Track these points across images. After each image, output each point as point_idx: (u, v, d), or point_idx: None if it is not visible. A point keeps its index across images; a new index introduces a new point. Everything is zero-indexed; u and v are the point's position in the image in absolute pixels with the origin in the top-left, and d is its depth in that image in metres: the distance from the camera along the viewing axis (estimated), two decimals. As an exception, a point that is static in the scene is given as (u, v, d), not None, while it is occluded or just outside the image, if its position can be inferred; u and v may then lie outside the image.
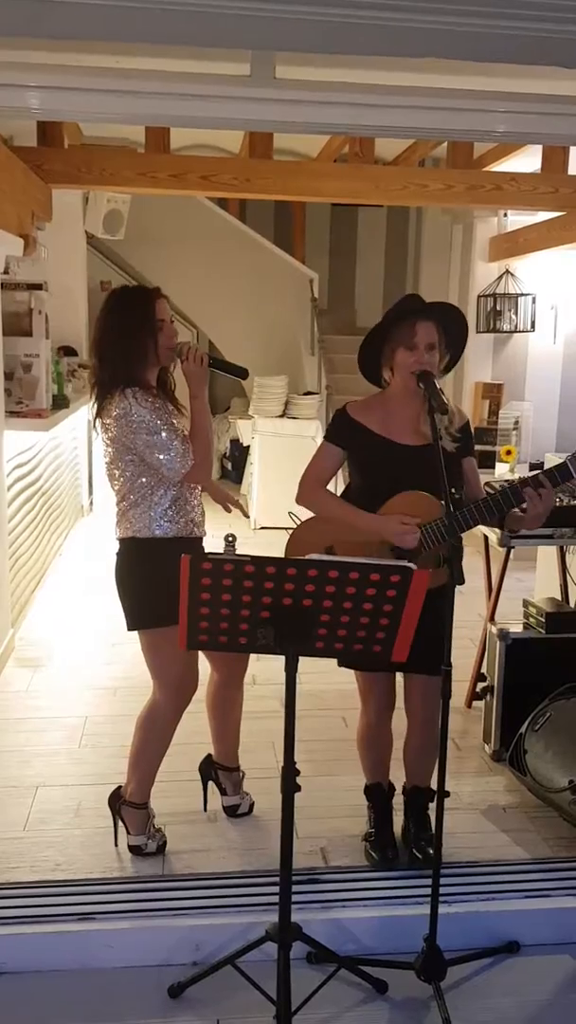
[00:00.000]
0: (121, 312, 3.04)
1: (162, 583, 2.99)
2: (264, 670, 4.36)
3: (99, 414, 3.07)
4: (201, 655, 3.30)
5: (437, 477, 2.69)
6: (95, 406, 3.09)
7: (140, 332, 3.00)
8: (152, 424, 2.95)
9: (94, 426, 3.10)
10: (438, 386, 2.91)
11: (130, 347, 3.00)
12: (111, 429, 3.02)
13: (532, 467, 5.43)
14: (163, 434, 2.96)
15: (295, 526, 3.17)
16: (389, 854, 3.24)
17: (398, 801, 3.42)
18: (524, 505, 2.88)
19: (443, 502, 2.67)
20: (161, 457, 2.97)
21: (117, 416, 2.98)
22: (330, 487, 3.20)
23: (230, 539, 2.90)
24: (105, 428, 3.05)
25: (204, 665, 3.39)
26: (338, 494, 3.20)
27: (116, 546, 3.16)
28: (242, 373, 3.15)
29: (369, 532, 2.98)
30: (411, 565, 2.35)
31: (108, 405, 3.02)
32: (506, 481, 3.06)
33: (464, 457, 3.10)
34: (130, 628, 3.13)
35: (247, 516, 3.26)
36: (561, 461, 2.85)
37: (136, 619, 3.11)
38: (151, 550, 3.07)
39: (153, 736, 3.22)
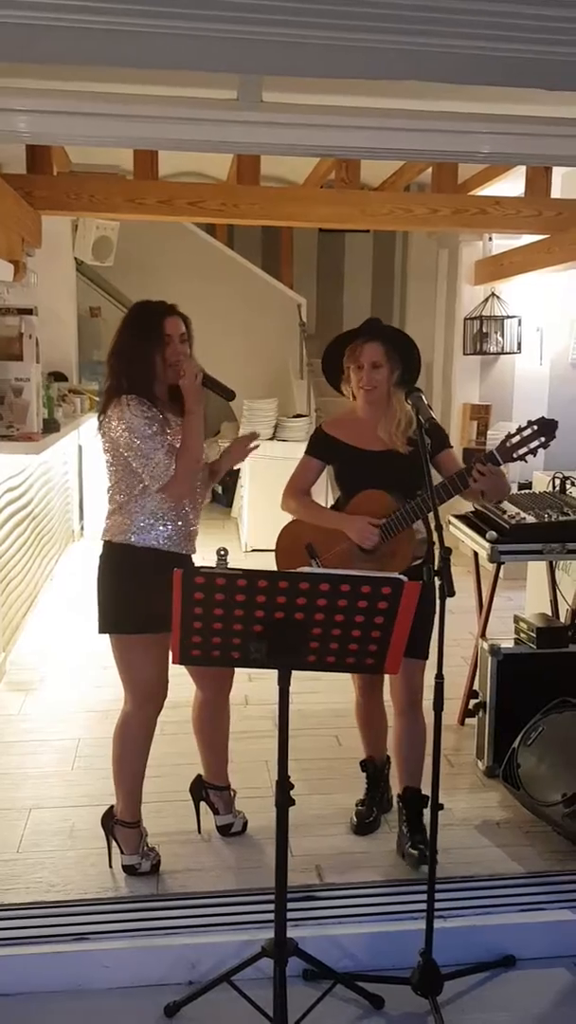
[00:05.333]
0: (133, 325, 3.12)
1: (133, 591, 3.09)
2: (257, 691, 4.37)
3: (100, 419, 3.14)
4: (187, 673, 3.32)
5: (401, 477, 3.13)
6: (100, 411, 3.18)
7: (147, 346, 3.07)
8: (140, 431, 3.00)
9: (98, 430, 3.15)
10: (393, 396, 3.29)
11: (136, 359, 3.07)
12: (107, 434, 3.09)
13: (520, 486, 5.47)
14: (148, 443, 3.00)
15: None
16: (364, 819, 3.57)
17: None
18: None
19: (421, 492, 2.96)
20: (143, 465, 3.02)
21: (113, 422, 3.05)
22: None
23: (222, 553, 2.91)
24: (103, 433, 3.12)
25: (192, 684, 3.40)
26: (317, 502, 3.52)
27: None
28: (228, 394, 3.23)
29: (333, 528, 3.28)
30: (402, 577, 2.37)
31: (108, 411, 3.09)
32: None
33: (438, 453, 3.32)
34: (100, 631, 3.17)
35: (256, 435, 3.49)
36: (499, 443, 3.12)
37: (105, 622, 3.16)
38: (126, 556, 3.11)
39: (128, 746, 3.23)
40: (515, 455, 3.09)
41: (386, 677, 3.40)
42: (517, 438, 3.07)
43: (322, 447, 3.46)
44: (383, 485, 3.24)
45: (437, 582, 2.59)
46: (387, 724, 3.61)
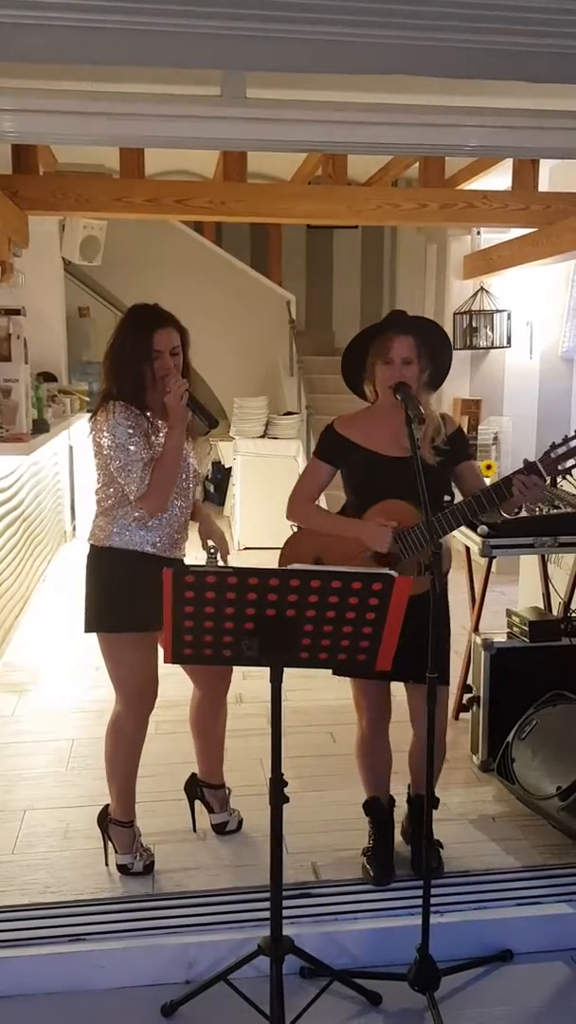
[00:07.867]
0: (126, 331, 3.08)
1: (117, 592, 3.09)
2: (250, 688, 4.35)
3: (90, 421, 3.13)
4: (184, 672, 3.31)
5: (427, 488, 2.72)
6: (91, 413, 3.16)
7: (135, 356, 3.02)
8: (121, 441, 2.98)
9: (89, 432, 3.13)
10: (421, 398, 3.00)
11: (125, 368, 3.04)
12: (95, 437, 3.07)
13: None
14: (128, 453, 2.99)
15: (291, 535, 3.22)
16: (386, 872, 3.16)
17: (400, 812, 3.40)
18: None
19: (422, 510, 2.72)
20: (122, 475, 3.01)
21: (100, 426, 3.03)
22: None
23: (212, 551, 2.90)
24: (91, 436, 3.10)
25: (187, 683, 3.39)
26: (327, 509, 3.24)
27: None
28: (210, 421, 3.15)
29: (348, 536, 3.03)
30: (392, 573, 2.36)
31: (98, 414, 3.07)
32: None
33: (459, 463, 3.13)
34: (85, 630, 3.17)
35: (223, 560, 3.25)
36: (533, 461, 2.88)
37: (90, 621, 3.15)
38: (109, 559, 3.10)
39: (120, 745, 3.22)
40: (560, 467, 2.82)
41: (405, 703, 3.23)
42: (563, 449, 2.81)
43: (334, 449, 3.15)
44: (405, 496, 2.95)
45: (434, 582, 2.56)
46: (392, 761, 3.32)
